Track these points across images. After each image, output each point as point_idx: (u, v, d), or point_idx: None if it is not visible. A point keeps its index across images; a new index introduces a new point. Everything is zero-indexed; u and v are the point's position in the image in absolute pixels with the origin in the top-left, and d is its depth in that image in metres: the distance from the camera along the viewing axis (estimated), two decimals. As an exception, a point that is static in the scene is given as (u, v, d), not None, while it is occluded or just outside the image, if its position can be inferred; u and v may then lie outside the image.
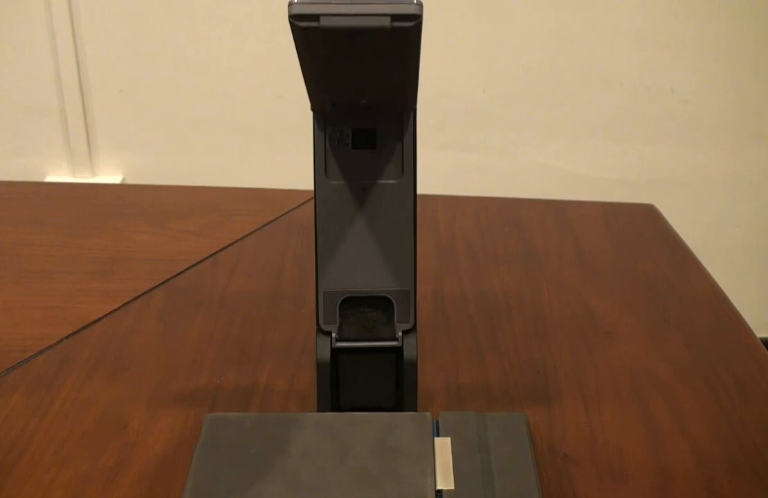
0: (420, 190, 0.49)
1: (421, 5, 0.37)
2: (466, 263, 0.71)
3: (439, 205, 0.81)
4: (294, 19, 0.37)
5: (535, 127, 1.54)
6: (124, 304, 0.64)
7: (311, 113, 0.47)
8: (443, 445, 0.47)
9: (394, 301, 0.49)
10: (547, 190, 1.46)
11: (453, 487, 0.44)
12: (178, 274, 0.68)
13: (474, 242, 0.74)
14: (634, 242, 0.75)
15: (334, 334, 0.49)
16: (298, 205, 0.80)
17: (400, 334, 0.49)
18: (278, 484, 0.43)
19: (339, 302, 0.49)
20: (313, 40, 0.38)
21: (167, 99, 1.51)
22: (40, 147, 1.55)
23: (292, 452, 0.45)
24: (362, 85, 0.44)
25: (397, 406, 0.50)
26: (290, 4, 0.37)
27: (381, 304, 0.49)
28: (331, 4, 0.37)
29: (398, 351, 0.49)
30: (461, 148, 1.55)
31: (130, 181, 1.56)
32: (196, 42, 1.47)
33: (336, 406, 0.50)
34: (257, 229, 0.76)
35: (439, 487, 0.44)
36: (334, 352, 0.49)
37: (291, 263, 0.70)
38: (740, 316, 0.64)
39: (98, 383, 0.55)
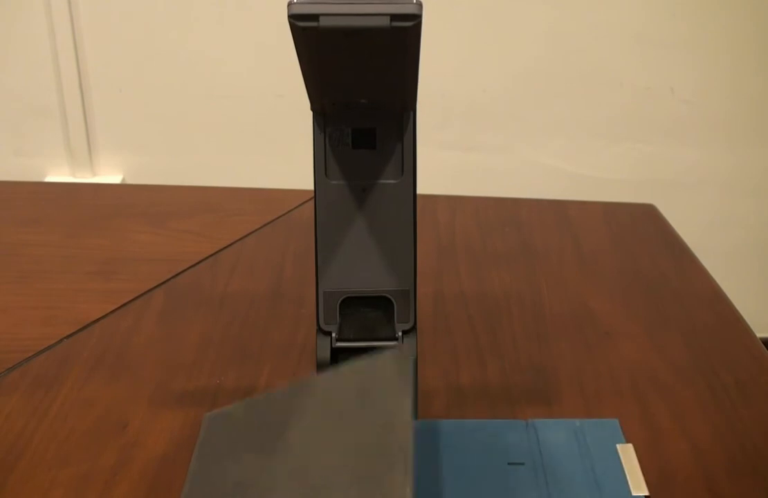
0: (420, 190, 0.49)
1: (420, 5, 0.37)
2: (466, 263, 0.71)
3: (439, 205, 0.81)
4: (294, 19, 0.37)
5: (535, 127, 1.54)
6: (124, 304, 0.64)
7: (311, 113, 0.47)
8: (626, 451, 0.48)
9: (394, 301, 0.49)
10: (547, 190, 1.45)
11: (647, 493, 0.46)
12: (178, 274, 0.68)
13: (474, 242, 0.74)
14: (634, 242, 0.75)
15: (334, 334, 0.49)
16: (298, 205, 0.80)
17: (400, 334, 0.49)
18: (278, 481, 0.43)
19: (339, 302, 0.49)
20: (313, 40, 0.38)
21: (167, 99, 1.51)
22: (40, 147, 1.55)
23: (288, 438, 0.44)
24: (362, 85, 0.44)
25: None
26: (290, 4, 0.37)
27: (381, 304, 0.49)
28: (330, 4, 0.37)
29: (398, 351, 0.49)
30: (461, 148, 1.55)
31: (130, 181, 1.56)
32: (196, 42, 1.47)
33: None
34: (257, 229, 0.75)
35: (635, 494, 0.46)
36: (334, 352, 0.49)
37: (291, 263, 0.70)
38: (740, 316, 0.64)
39: (98, 383, 0.55)
